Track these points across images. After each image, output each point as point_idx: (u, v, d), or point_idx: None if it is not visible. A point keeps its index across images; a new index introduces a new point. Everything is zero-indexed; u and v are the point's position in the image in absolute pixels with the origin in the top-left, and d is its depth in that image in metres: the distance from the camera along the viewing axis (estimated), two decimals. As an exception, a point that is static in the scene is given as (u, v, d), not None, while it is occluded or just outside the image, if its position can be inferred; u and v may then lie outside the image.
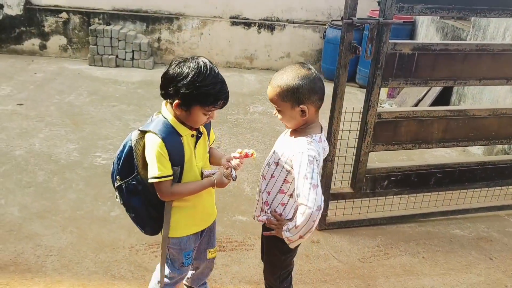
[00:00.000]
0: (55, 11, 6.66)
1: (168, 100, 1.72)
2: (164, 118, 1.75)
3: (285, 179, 1.85)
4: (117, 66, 6.51)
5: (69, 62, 6.64)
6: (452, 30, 5.30)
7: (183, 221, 1.90)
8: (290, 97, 1.74)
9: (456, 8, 2.67)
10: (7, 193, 3.28)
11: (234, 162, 1.90)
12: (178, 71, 1.65)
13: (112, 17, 6.70)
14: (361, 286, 2.66)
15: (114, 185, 1.87)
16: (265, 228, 2.00)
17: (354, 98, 5.96)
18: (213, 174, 1.85)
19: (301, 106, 1.75)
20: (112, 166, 1.87)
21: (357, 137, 2.95)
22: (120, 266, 2.64)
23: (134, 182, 1.79)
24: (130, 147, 1.77)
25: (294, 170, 1.75)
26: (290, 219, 1.90)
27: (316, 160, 1.75)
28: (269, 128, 4.81)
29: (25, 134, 4.24)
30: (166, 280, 2.03)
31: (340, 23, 6.39)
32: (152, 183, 1.74)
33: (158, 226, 1.91)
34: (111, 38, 6.42)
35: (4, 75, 5.85)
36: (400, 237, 3.15)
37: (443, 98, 5.12)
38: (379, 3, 2.83)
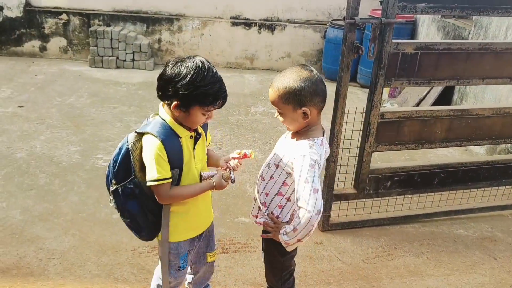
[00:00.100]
0: (55, 12, 6.65)
1: (166, 101, 1.69)
2: (162, 119, 1.72)
3: (284, 182, 1.84)
4: (117, 67, 6.50)
5: (69, 63, 6.63)
6: (453, 29, 5.28)
7: (181, 226, 1.86)
8: (292, 100, 1.73)
9: (459, 7, 2.66)
10: (9, 196, 3.27)
11: (232, 163, 1.88)
12: (176, 71, 1.61)
13: (112, 18, 6.69)
14: (365, 287, 2.65)
15: (109, 190, 1.82)
16: (264, 230, 1.99)
17: (355, 97, 5.94)
18: (211, 176, 1.83)
19: (303, 108, 1.73)
20: (107, 170, 1.82)
21: (360, 138, 2.94)
22: (123, 269, 2.63)
23: (131, 186, 1.75)
24: (127, 149, 1.73)
25: (295, 173, 1.74)
26: (287, 222, 1.89)
27: (318, 164, 1.74)
28: (271, 128, 4.80)
29: (26, 136, 4.22)
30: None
31: (340, 22, 6.38)
32: (150, 186, 1.70)
33: (155, 231, 1.87)
34: (111, 39, 6.41)
35: (5, 77, 5.84)
36: (403, 238, 3.14)
37: (445, 97, 5.10)
38: (381, 2, 2.82)
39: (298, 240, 1.76)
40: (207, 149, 1.96)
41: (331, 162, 2.91)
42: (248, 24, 6.87)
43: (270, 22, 6.90)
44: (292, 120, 1.79)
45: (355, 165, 3.02)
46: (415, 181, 3.14)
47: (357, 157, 2.99)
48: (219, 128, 4.69)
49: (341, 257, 2.89)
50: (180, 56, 1.71)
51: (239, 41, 6.91)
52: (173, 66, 1.64)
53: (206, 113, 1.69)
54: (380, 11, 6.23)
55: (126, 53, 6.48)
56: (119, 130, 4.48)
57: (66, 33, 6.74)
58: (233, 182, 1.86)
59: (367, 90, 5.76)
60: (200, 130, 1.83)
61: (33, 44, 6.76)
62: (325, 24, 6.75)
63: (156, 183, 1.67)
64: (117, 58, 6.49)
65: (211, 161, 1.96)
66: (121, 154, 1.74)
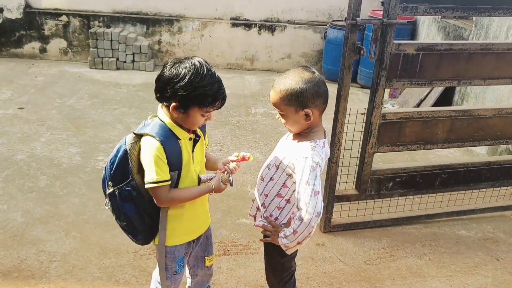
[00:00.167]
0: (55, 14, 6.64)
1: (165, 103, 1.67)
2: (161, 121, 1.70)
3: (284, 183, 1.84)
4: (117, 68, 6.49)
5: (69, 65, 6.62)
6: (454, 30, 5.27)
7: (178, 229, 1.84)
8: (294, 101, 1.72)
9: (460, 8, 2.65)
10: (10, 199, 3.26)
11: (231, 165, 1.87)
12: (174, 72, 1.60)
13: (112, 19, 6.68)
14: (368, 289, 2.65)
15: (105, 192, 1.79)
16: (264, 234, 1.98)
17: (356, 98, 5.94)
18: (210, 179, 1.81)
19: (305, 110, 1.73)
20: (103, 172, 1.79)
21: (361, 139, 2.93)
22: (124, 271, 2.62)
23: (129, 188, 1.72)
24: (125, 151, 1.70)
25: (296, 175, 1.74)
26: (286, 224, 1.89)
27: (319, 166, 1.74)
28: (271, 129, 4.79)
29: (27, 138, 4.21)
30: None
31: (341, 23, 6.38)
32: (148, 189, 1.68)
33: (151, 235, 1.85)
34: (111, 40, 6.40)
35: (5, 79, 5.84)
36: (405, 239, 3.13)
37: (446, 97, 5.09)
38: (382, 3, 2.81)
39: (298, 243, 1.76)
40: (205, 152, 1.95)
41: (332, 163, 2.90)
42: (248, 25, 6.86)
43: (270, 23, 6.89)
44: (294, 122, 1.78)
45: (357, 166, 3.01)
46: (417, 182, 3.13)
47: (358, 158, 2.98)
48: (220, 129, 4.68)
49: (343, 259, 2.88)
50: (180, 57, 1.70)
51: (239, 42, 6.90)
52: (171, 67, 1.62)
53: (205, 114, 1.68)
54: (380, 12, 6.23)
55: (126, 55, 6.47)
56: (119, 132, 4.47)
57: (66, 34, 6.73)
58: (231, 185, 1.85)
59: (367, 90, 5.73)
60: (199, 132, 1.81)
61: (33, 46, 6.76)
62: (325, 25, 6.74)
63: (155, 185, 1.65)
64: (117, 59, 6.48)
65: (208, 164, 1.94)
66: (118, 155, 1.71)
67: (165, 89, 1.63)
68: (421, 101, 5.27)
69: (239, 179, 3.68)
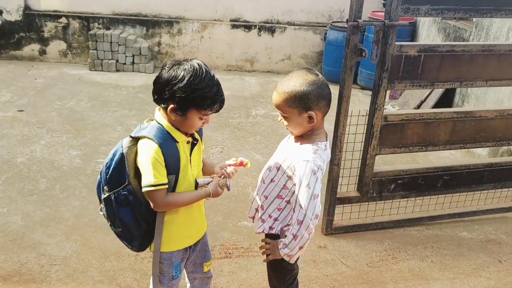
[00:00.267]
0: (54, 16, 6.63)
1: (162, 105, 1.65)
2: (159, 124, 1.68)
3: (284, 185, 1.83)
4: (117, 70, 6.48)
5: (69, 67, 6.60)
6: (454, 31, 5.27)
7: (175, 235, 1.82)
8: (298, 103, 1.72)
9: (462, 9, 2.64)
10: (10, 202, 3.24)
11: (228, 169, 1.86)
12: (173, 74, 1.58)
13: (112, 21, 6.67)
14: (370, 291, 2.63)
15: (99, 197, 1.76)
16: (265, 235, 1.97)
17: (356, 99, 5.92)
18: (207, 183, 1.79)
19: (309, 112, 1.73)
20: (98, 177, 1.75)
21: (363, 140, 2.92)
22: (125, 275, 2.60)
23: (125, 193, 1.68)
24: (122, 154, 1.67)
25: (296, 177, 1.74)
26: (285, 226, 1.89)
27: (321, 170, 1.74)
28: (272, 131, 4.78)
29: (27, 140, 4.20)
30: None
31: (340, 24, 6.37)
32: (145, 192, 1.65)
33: (147, 241, 1.82)
34: (111, 42, 6.39)
35: (4, 81, 5.82)
36: (407, 241, 3.12)
37: (446, 99, 5.09)
38: (384, 4, 2.80)
39: (300, 248, 1.77)
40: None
41: (334, 166, 2.89)
42: (248, 26, 6.85)
43: (270, 25, 6.89)
44: (297, 124, 1.78)
45: (358, 168, 3.00)
46: (419, 184, 3.12)
47: (360, 160, 2.97)
48: (220, 131, 4.67)
49: (345, 261, 2.87)
50: (179, 59, 1.69)
51: (239, 44, 6.89)
52: (170, 69, 1.61)
53: (202, 117, 1.66)
54: (379, 13, 6.23)
55: (126, 56, 6.46)
56: (119, 134, 4.45)
57: (66, 36, 6.72)
58: (228, 189, 1.84)
59: (367, 91, 5.72)
60: (196, 135, 1.80)
61: (33, 48, 6.74)
62: (325, 26, 6.74)
63: (152, 188, 1.62)
64: (117, 61, 6.47)
65: (205, 169, 1.92)
66: (115, 159, 1.68)
67: (163, 91, 1.61)
68: (422, 102, 5.27)
69: (240, 181, 3.67)
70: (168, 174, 1.65)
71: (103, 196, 1.73)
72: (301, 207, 1.71)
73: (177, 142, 1.68)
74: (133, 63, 6.50)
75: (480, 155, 4.42)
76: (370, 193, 3.05)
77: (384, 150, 2.92)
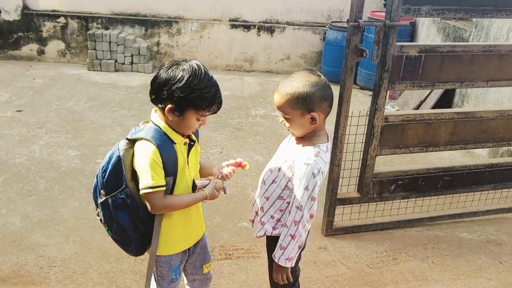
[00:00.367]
0: (52, 16, 6.60)
1: (160, 105, 1.63)
2: (155, 125, 1.66)
3: (286, 186, 1.83)
4: (116, 70, 6.46)
5: (67, 67, 6.58)
6: (453, 31, 5.26)
7: (174, 238, 1.80)
8: (301, 105, 1.71)
9: (463, 9, 2.63)
10: (8, 203, 3.23)
11: (226, 170, 1.85)
12: (172, 74, 1.57)
13: (111, 21, 6.65)
14: (371, 293, 2.63)
15: (96, 202, 1.74)
16: (267, 238, 1.97)
17: (355, 100, 5.91)
18: (205, 186, 1.78)
19: (311, 113, 1.72)
20: (95, 180, 1.73)
21: (363, 141, 2.91)
22: (125, 277, 2.59)
23: (123, 196, 1.66)
24: (118, 157, 1.64)
25: (296, 178, 1.74)
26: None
27: (322, 173, 1.75)
28: (272, 131, 4.77)
29: (25, 141, 4.18)
30: None
31: (340, 24, 6.36)
32: (142, 195, 1.63)
33: (145, 244, 1.80)
34: (109, 42, 6.36)
35: (3, 81, 5.80)
36: (408, 242, 3.11)
37: (446, 99, 5.08)
38: (385, 5, 2.79)
39: (299, 247, 1.79)
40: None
41: (334, 166, 2.88)
42: (247, 26, 6.84)
43: (269, 24, 6.87)
44: (299, 126, 1.77)
45: (359, 169, 2.99)
46: (419, 185, 3.12)
47: (360, 161, 2.96)
48: (220, 132, 4.66)
49: (346, 262, 2.86)
50: (177, 59, 1.68)
51: (238, 44, 6.88)
52: (169, 69, 1.60)
53: (200, 118, 1.65)
54: (379, 13, 6.21)
55: (124, 56, 6.44)
56: (119, 134, 4.43)
57: (64, 36, 6.70)
58: (225, 192, 1.83)
59: (367, 92, 5.70)
60: (193, 137, 1.79)
61: (31, 48, 6.72)
62: (324, 26, 6.72)
63: (150, 190, 1.60)
64: (116, 61, 6.45)
65: (203, 171, 1.90)
66: (111, 162, 1.66)
67: (161, 91, 1.60)
68: (421, 102, 5.26)
69: (240, 182, 3.66)
70: (166, 176, 1.64)
71: (99, 201, 1.71)
72: (298, 208, 1.72)
73: (175, 143, 1.67)
74: (132, 63, 6.48)
75: (480, 156, 4.41)
76: (371, 193, 3.04)
77: (385, 151, 2.91)
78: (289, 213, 1.77)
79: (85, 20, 6.62)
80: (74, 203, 3.27)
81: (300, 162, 1.73)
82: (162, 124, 1.66)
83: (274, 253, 1.83)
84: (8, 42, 6.65)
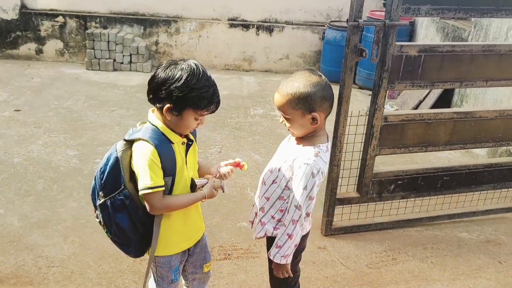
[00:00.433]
0: (51, 15, 6.58)
1: (158, 104, 1.63)
2: (153, 125, 1.66)
3: (286, 186, 1.82)
4: (114, 70, 6.44)
5: (66, 66, 6.56)
6: (453, 30, 5.26)
7: (173, 238, 1.80)
8: (302, 105, 1.70)
9: (462, 9, 2.63)
10: (6, 203, 3.21)
11: (224, 169, 1.84)
12: (170, 74, 1.57)
13: (109, 20, 6.63)
14: (371, 293, 2.62)
15: (95, 204, 1.74)
16: (267, 239, 1.97)
17: (354, 99, 5.89)
18: (203, 185, 1.78)
19: (312, 113, 1.72)
20: (93, 182, 1.73)
21: (362, 141, 2.91)
22: (124, 277, 2.58)
23: (121, 197, 1.66)
24: (116, 158, 1.64)
25: (295, 178, 1.74)
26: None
27: (322, 173, 1.75)
28: (270, 131, 4.76)
29: (23, 141, 4.17)
30: None
31: (338, 24, 6.35)
32: (141, 196, 1.63)
33: (145, 245, 1.79)
34: (108, 41, 6.35)
35: (0, 80, 5.78)
36: (407, 242, 3.11)
37: (445, 99, 5.08)
38: (384, 4, 2.79)
39: (296, 245, 1.80)
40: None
41: (334, 166, 2.88)
42: (246, 25, 6.83)
43: (268, 24, 6.86)
44: (300, 126, 1.76)
45: (358, 169, 2.99)
46: (419, 184, 3.11)
47: (360, 161, 2.96)
48: (219, 131, 4.65)
49: (345, 262, 2.85)
50: (175, 59, 1.67)
51: (237, 43, 6.87)
52: (167, 69, 1.59)
53: (198, 118, 1.65)
54: (378, 12, 6.20)
55: (123, 56, 6.42)
56: (117, 134, 4.42)
57: (63, 35, 6.68)
58: (223, 191, 1.83)
59: (366, 91, 5.70)
60: (191, 137, 1.78)
61: (29, 47, 6.70)
62: (323, 26, 6.72)
63: (149, 191, 1.59)
64: (114, 60, 6.43)
65: (201, 171, 1.90)
66: (109, 164, 1.66)
67: (159, 90, 1.59)
68: (420, 102, 5.26)
69: (239, 182, 3.65)
70: (165, 176, 1.64)
71: (98, 202, 1.71)
72: (296, 207, 1.73)
73: (173, 143, 1.67)
74: (130, 62, 6.47)
75: (479, 155, 4.41)
76: (370, 193, 3.04)
77: (384, 151, 2.91)
78: (287, 212, 1.76)
79: (84, 19, 6.60)
80: (73, 203, 3.26)
81: (300, 162, 1.73)
82: (160, 124, 1.66)
83: (269, 250, 1.83)
84: (6, 41, 6.63)
